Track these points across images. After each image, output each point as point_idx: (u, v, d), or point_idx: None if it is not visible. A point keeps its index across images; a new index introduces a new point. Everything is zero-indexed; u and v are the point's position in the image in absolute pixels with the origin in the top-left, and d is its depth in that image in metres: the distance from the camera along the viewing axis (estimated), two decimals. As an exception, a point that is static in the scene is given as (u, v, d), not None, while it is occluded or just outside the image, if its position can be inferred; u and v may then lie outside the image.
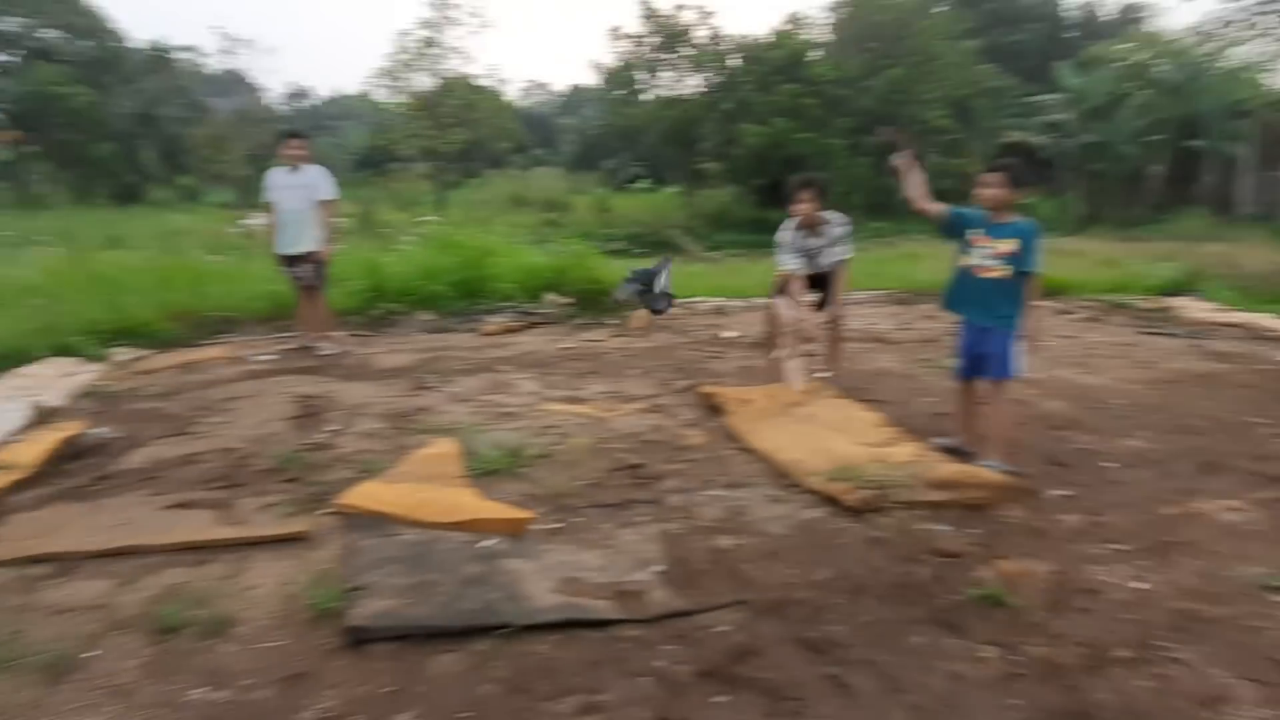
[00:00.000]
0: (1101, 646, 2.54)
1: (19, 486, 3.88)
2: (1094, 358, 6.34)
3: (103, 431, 4.70)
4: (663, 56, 19.14)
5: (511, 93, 23.15)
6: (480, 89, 19.32)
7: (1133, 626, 2.65)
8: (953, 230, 4.13)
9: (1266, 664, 2.44)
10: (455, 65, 18.32)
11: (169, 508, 3.65)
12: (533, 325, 7.72)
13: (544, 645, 2.63)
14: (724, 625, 2.75)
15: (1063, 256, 12.08)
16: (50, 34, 32.35)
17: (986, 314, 4.00)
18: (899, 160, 4.16)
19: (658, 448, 4.42)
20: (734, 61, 18.62)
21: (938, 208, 4.13)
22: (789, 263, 5.24)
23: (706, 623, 2.77)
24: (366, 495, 3.60)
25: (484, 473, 3.94)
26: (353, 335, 7.35)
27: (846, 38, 21.84)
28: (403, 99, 18.34)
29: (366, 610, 2.73)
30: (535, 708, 2.33)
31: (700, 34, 19.01)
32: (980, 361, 4.07)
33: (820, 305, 5.52)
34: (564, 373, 6.02)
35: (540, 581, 2.97)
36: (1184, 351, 6.64)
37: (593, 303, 8.17)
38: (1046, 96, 24.39)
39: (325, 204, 6.44)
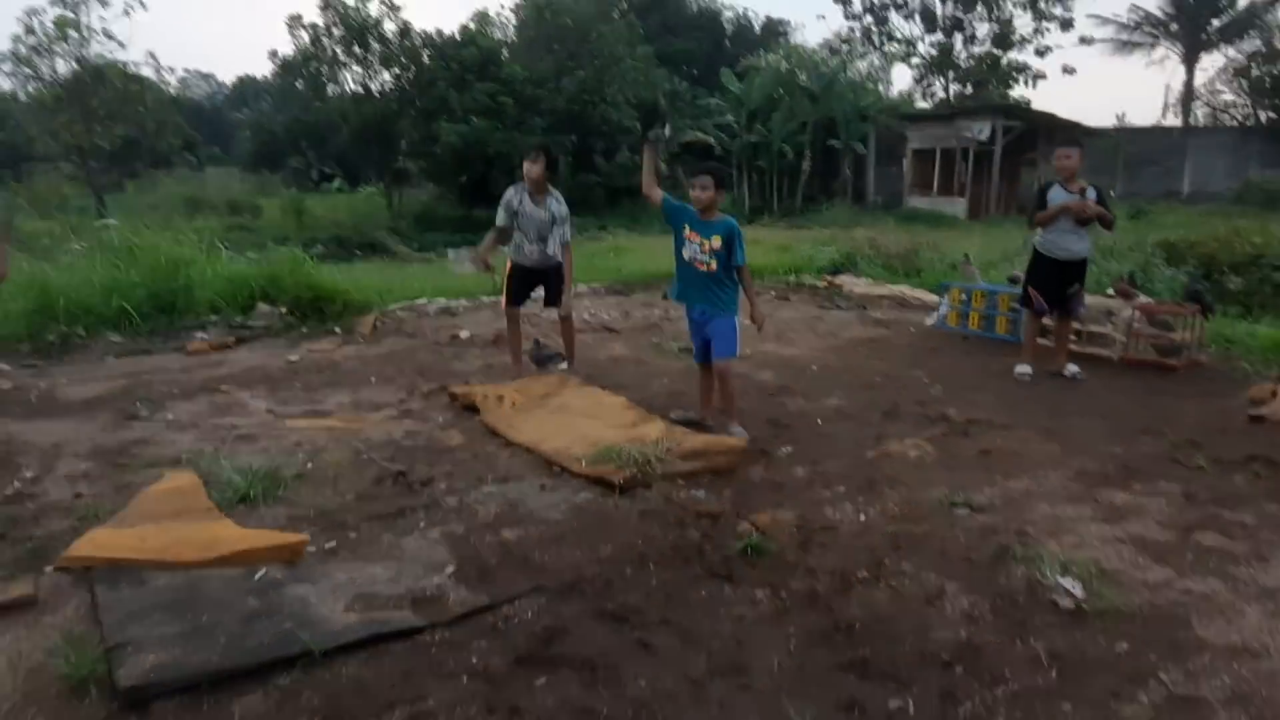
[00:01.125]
0: (845, 572, 3.04)
1: None
2: (788, 332, 7.29)
3: None
4: (351, 50, 18.21)
5: (169, 82, 20.54)
6: (138, 78, 16.92)
7: (864, 552, 3.20)
8: (669, 218, 4.59)
9: (963, 563, 3.10)
10: (104, 51, 15.93)
11: None
12: (246, 339, 7.10)
13: (351, 666, 2.56)
14: (527, 613, 2.87)
15: (745, 244, 13.52)
16: None
17: (705, 303, 4.50)
18: (648, 143, 4.69)
19: (418, 453, 4.37)
20: (427, 59, 18.25)
21: (658, 195, 4.58)
22: (500, 217, 5.44)
23: (510, 613, 2.86)
24: (99, 544, 3.19)
25: (236, 501, 3.66)
26: (22, 366, 6.26)
27: (532, 40, 22.40)
28: (39, 88, 15.54)
29: (138, 667, 2.46)
30: (362, 728, 2.29)
31: (388, 28, 18.41)
32: (708, 345, 4.56)
33: (549, 302, 5.77)
34: (298, 386, 5.67)
35: (331, 603, 2.87)
36: (854, 322, 7.87)
37: (313, 311, 7.70)
38: (714, 100, 27.06)
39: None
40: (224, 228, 19.97)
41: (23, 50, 14.88)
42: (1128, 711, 2.33)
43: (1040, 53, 36.49)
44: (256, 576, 3.03)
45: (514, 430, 4.51)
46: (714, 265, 4.40)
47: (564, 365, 5.75)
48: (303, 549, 3.20)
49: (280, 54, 20.01)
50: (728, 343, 4.49)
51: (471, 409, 5.00)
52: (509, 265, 5.62)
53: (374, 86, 18.74)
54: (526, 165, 5.38)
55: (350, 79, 18.73)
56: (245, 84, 57.42)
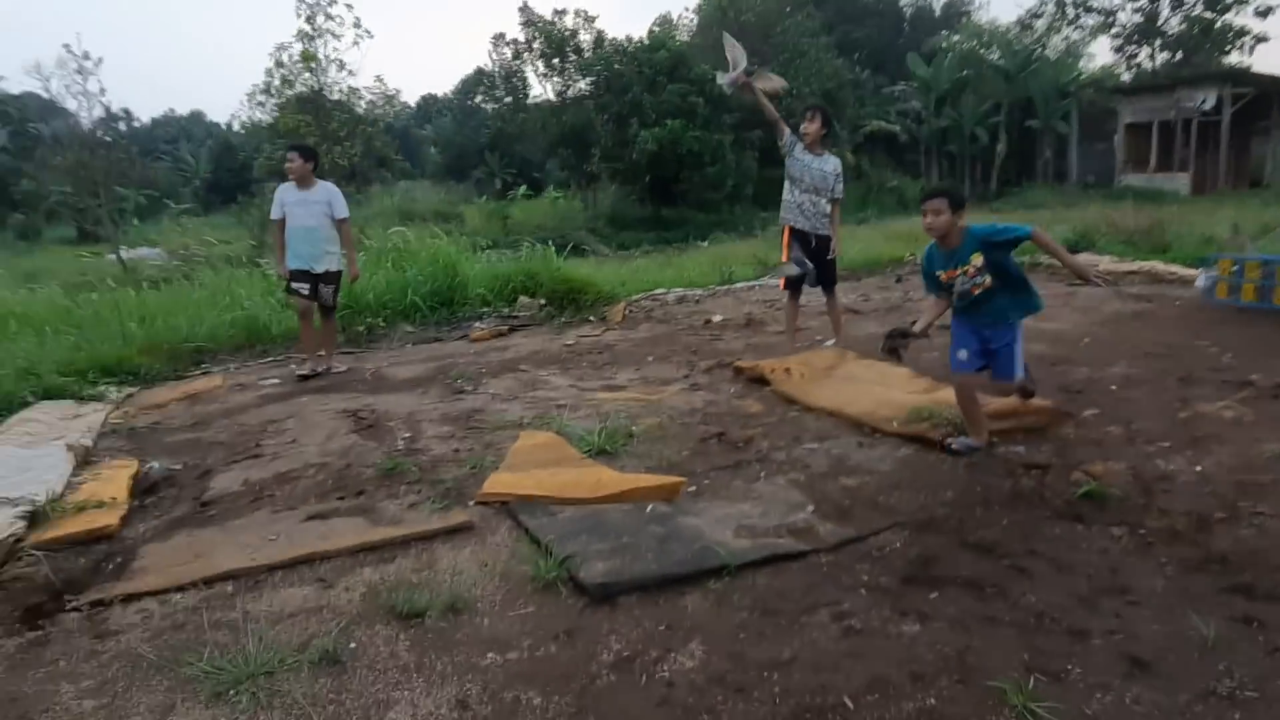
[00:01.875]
0: (1201, 513, 3.18)
1: (124, 522, 3.84)
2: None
3: (159, 465, 4.60)
4: (550, 62, 19.42)
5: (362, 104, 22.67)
6: (363, 102, 18.98)
7: (1212, 497, 3.32)
8: (936, 289, 4.06)
9: (1322, 507, 3.17)
10: (339, 78, 17.97)
11: (308, 519, 3.73)
12: (517, 328, 7.91)
13: (761, 578, 2.99)
14: (894, 544, 3.20)
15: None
16: None
17: (989, 318, 3.94)
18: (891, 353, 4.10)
19: (726, 418, 4.82)
20: (620, 65, 19.14)
21: (940, 307, 4.07)
22: (787, 137, 5.86)
23: (878, 544, 3.21)
24: (505, 484, 3.83)
25: (595, 453, 4.23)
26: (342, 353, 7.31)
27: (716, 39, 22.85)
28: (287, 115, 17.73)
29: (596, 571, 3.00)
30: (797, 622, 2.70)
31: (584, 38, 19.46)
32: (990, 359, 4.00)
33: (820, 282, 6.12)
34: (585, 365, 6.31)
35: (721, 531, 3.32)
36: (1111, 297, 7.70)
37: (569, 302, 8.45)
38: (898, 86, 26.51)
39: (344, 223, 6.39)
40: (398, 229, 21.89)
41: (275, 82, 17.07)
42: None
43: (1261, 13, 32.99)
44: (647, 510, 3.55)
45: (811, 397, 4.88)
46: (987, 281, 3.82)
47: (831, 342, 6.06)
48: (679, 489, 3.70)
49: (479, 70, 21.60)
50: (1009, 362, 3.92)
51: (758, 381, 5.41)
52: (786, 232, 6.00)
53: (570, 95, 19.86)
54: (804, 125, 5.83)
55: (550, 89, 19.96)
56: (428, 102, 61.73)
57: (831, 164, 5.84)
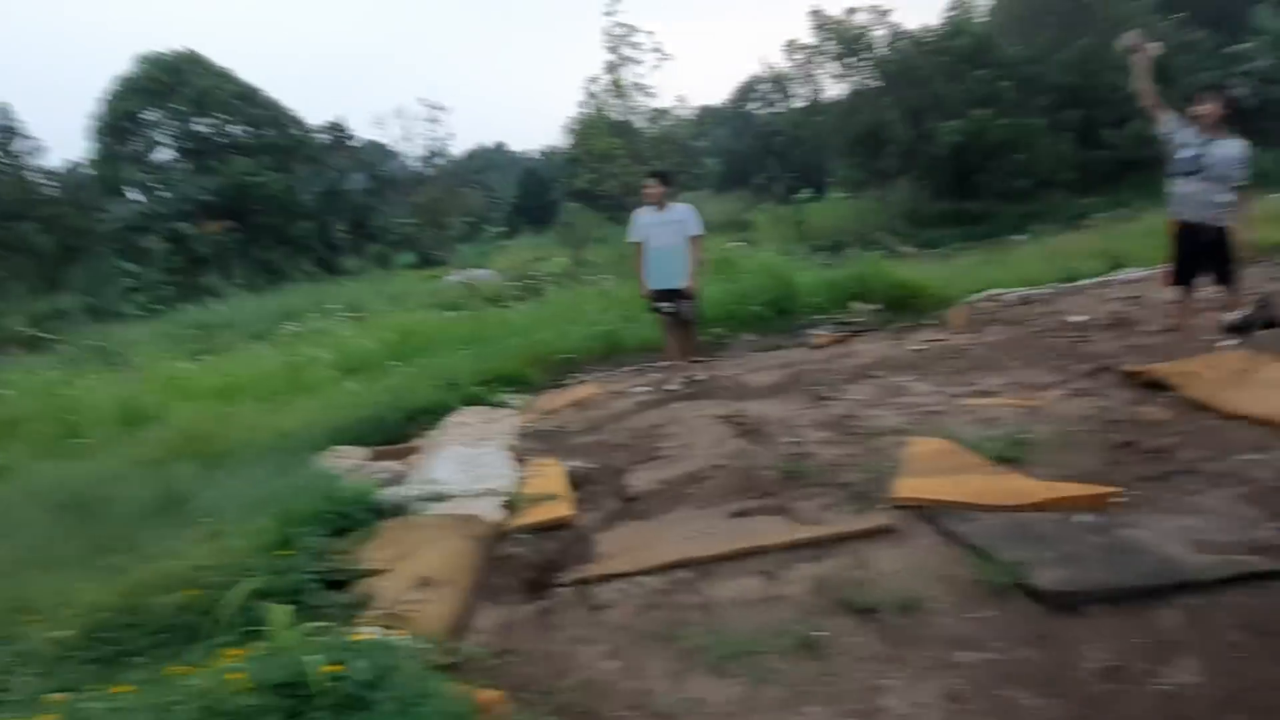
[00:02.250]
0: None
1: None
2: None
3: (579, 465, 5.28)
4: (843, 62, 19.31)
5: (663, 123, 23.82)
6: (665, 121, 20.20)
7: None
8: None
9: None
10: (643, 101, 19.24)
11: (732, 516, 4.12)
12: (857, 334, 8.02)
13: (1239, 597, 2.85)
14: (1401, 570, 2.90)
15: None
16: (236, 129, 35.77)
17: None
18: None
19: (1129, 426, 4.56)
20: (916, 57, 18.55)
21: None
22: (1166, 122, 5.51)
23: (1382, 569, 2.92)
24: (918, 489, 3.94)
25: (996, 460, 4.22)
26: (694, 361, 7.88)
27: (1019, 17, 21.28)
28: (599, 139, 19.29)
29: (1051, 579, 3.03)
30: (1305, 646, 2.56)
31: (878, 34, 19.11)
32: None
33: (1219, 280, 5.59)
34: (943, 371, 6.25)
35: (1173, 545, 3.20)
36: None
37: (902, 306, 8.41)
38: (1244, 45, 22.83)
39: (696, 240, 6.87)
40: (734, 242, 22.62)
41: (590, 110, 18.68)
42: None
43: None
44: (1076, 519, 3.51)
45: (1231, 403, 4.48)
46: None
47: (1233, 341, 5.50)
48: (1107, 500, 3.61)
49: (753, 77, 21.96)
50: None
51: (1153, 386, 5.06)
52: (1173, 226, 5.58)
53: (864, 93, 19.59)
54: (1196, 108, 5.42)
55: (844, 89, 19.84)
56: (705, 113, 63.59)
57: (1233, 148, 5.29)
